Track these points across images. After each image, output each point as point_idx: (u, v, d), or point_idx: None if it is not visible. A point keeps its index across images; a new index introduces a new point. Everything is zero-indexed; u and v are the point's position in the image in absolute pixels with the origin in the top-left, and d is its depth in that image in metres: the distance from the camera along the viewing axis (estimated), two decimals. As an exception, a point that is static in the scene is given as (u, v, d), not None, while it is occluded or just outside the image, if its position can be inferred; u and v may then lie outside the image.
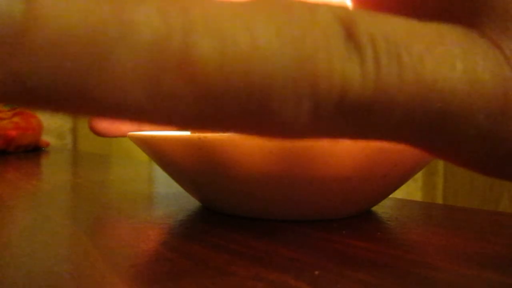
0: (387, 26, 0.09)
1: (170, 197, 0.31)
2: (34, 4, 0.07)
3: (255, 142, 0.20)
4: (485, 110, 0.09)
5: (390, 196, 0.26)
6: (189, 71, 0.08)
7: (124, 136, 0.28)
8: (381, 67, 0.09)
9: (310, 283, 0.14)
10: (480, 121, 0.09)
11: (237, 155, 0.20)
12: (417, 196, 1.17)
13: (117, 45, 0.07)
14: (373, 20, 0.09)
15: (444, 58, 0.09)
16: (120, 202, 0.31)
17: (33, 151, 0.79)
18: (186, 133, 0.27)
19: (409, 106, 0.09)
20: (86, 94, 0.08)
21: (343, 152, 0.20)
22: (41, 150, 0.82)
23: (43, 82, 0.07)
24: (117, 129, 0.28)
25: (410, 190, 1.16)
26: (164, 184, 0.38)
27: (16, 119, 0.76)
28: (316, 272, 0.15)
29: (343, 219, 0.24)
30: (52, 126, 1.07)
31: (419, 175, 1.15)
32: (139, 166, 0.59)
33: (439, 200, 1.15)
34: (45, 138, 0.87)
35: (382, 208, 0.27)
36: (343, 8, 0.09)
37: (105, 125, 0.28)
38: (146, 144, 0.24)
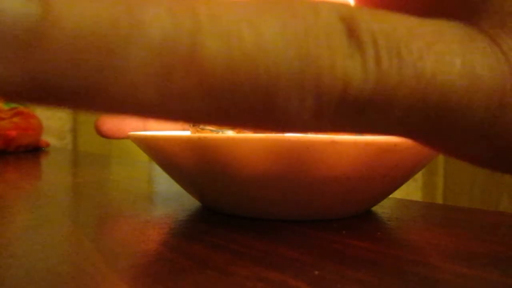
0: (388, 24, 0.09)
1: (170, 197, 0.31)
2: (50, 6, 0.07)
3: (255, 142, 0.20)
4: (483, 104, 0.10)
5: (390, 196, 0.26)
6: (198, 69, 0.08)
7: (128, 138, 0.28)
8: (382, 64, 0.09)
9: (310, 283, 0.14)
10: (479, 115, 0.10)
11: (237, 155, 0.20)
12: (417, 196, 1.17)
13: (128, 44, 0.08)
14: (374, 17, 0.09)
15: (443, 54, 0.09)
16: (120, 202, 0.31)
17: (33, 151, 0.79)
18: (186, 133, 0.28)
19: (409, 101, 0.09)
20: (100, 91, 0.08)
21: (343, 152, 0.20)
22: (41, 150, 0.82)
23: (60, 80, 0.08)
24: (122, 130, 0.28)
25: (410, 190, 1.16)
26: (164, 184, 0.38)
27: (16, 119, 0.76)
28: (316, 272, 0.15)
29: (343, 219, 0.24)
30: (52, 126, 1.07)
31: (419, 175, 1.15)
32: (139, 166, 0.59)
33: (439, 200, 1.15)
34: (45, 138, 0.87)
35: (382, 208, 0.27)
36: (345, 6, 0.09)
37: (110, 126, 0.28)
38: (146, 144, 0.24)
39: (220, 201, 0.24)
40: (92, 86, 0.08)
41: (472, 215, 0.27)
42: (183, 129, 0.30)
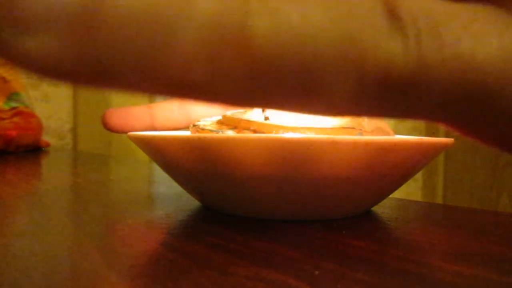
0: (426, 6, 0.09)
1: (170, 197, 0.31)
2: None
3: (255, 142, 0.20)
4: None
5: (390, 196, 0.26)
6: (246, 48, 0.08)
7: (135, 131, 0.28)
8: (423, 45, 0.09)
9: (310, 283, 0.14)
10: None
11: (237, 155, 0.20)
12: (417, 196, 1.17)
13: (179, 22, 0.08)
14: (413, 0, 0.09)
15: (480, 35, 0.09)
16: (120, 202, 0.31)
17: (33, 151, 0.79)
18: (186, 133, 0.28)
19: (449, 83, 0.09)
20: (152, 70, 0.08)
21: (343, 152, 0.20)
22: (41, 150, 0.82)
23: (113, 59, 0.08)
24: (129, 124, 0.29)
25: (410, 190, 1.17)
26: (164, 184, 0.38)
27: (16, 119, 0.76)
28: (316, 272, 0.15)
29: (343, 219, 0.24)
30: (52, 126, 1.07)
31: (419, 175, 1.15)
32: (139, 166, 0.59)
33: (439, 200, 1.15)
34: (45, 138, 0.87)
35: (382, 208, 0.27)
36: None
37: (117, 121, 0.28)
38: (146, 144, 0.24)
39: (220, 201, 0.24)
40: (146, 66, 0.08)
41: (472, 215, 0.27)
42: (184, 129, 0.30)
